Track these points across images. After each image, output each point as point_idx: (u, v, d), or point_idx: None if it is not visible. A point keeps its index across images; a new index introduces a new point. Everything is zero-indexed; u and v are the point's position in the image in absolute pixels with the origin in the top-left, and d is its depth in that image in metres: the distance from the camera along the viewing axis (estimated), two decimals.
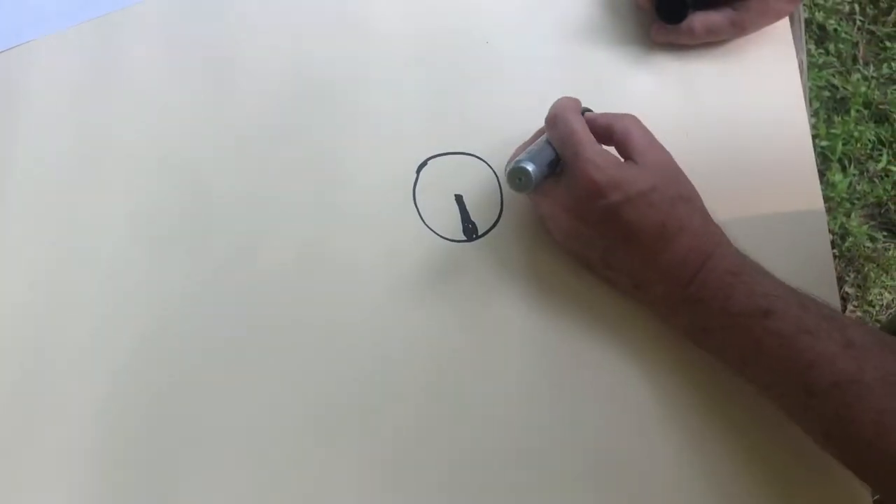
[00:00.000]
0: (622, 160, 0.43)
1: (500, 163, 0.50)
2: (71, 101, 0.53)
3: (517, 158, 0.43)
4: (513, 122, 0.50)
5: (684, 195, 0.43)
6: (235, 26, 0.55)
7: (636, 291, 0.44)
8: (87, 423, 0.44)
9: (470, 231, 0.49)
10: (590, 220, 0.43)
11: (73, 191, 0.50)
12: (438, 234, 0.49)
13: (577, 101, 0.46)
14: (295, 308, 0.47)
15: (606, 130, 0.45)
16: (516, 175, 0.43)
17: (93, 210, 0.50)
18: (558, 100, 0.46)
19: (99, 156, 0.51)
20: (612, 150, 0.44)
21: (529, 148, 0.45)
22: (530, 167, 0.42)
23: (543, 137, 0.45)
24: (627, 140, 0.44)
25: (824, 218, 0.49)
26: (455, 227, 0.49)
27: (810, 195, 0.50)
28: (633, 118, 0.45)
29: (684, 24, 0.52)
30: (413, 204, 0.49)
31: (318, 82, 0.53)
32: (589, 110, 0.48)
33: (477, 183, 0.50)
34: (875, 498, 0.42)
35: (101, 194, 0.50)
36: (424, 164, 0.51)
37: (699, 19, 0.52)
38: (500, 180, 0.50)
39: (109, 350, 0.46)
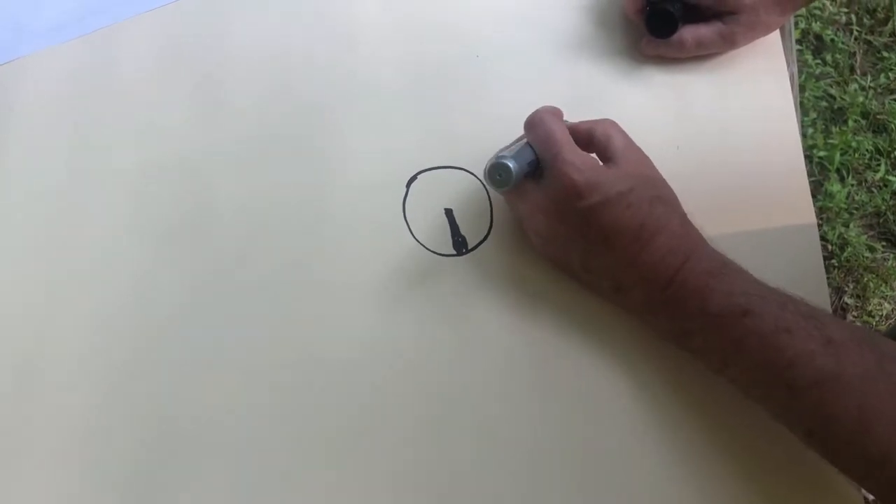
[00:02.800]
0: (601, 163, 0.44)
1: None
2: (63, 116, 0.53)
3: (498, 154, 0.44)
4: (503, 136, 0.50)
5: (662, 197, 0.43)
6: (225, 43, 0.56)
7: (616, 295, 0.44)
8: (81, 425, 0.44)
9: (460, 245, 0.49)
10: (569, 222, 0.43)
11: (65, 203, 0.50)
12: (428, 249, 0.49)
13: (557, 109, 0.46)
14: (283, 321, 0.47)
15: (587, 136, 0.45)
16: (496, 171, 0.43)
17: (85, 222, 0.50)
18: (540, 107, 0.46)
19: (91, 169, 0.52)
20: (593, 156, 0.44)
21: (510, 146, 0.45)
22: (511, 163, 0.42)
23: (523, 140, 0.46)
24: (607, 143, 0.44)
25: (816, 230, 0.49)
26: (445, 241, 0.49)
27: (802, 207, 0.50)
28: (612, 122, 0.46)
29: (674, 37, 0.52)
30: (403, 218, 0.49)
31: (308, 96, 0.53)
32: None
33: (467, 197, 0.50)
34: (872, 500, 0.42)
35: (93, 207, 0.50)
36: (414, 178, 0.50)
37: (689, 33, 0.52)
38: (490, 194, 0.50)
39: (104, 356, 0.46)
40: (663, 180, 0.45)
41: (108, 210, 0.50)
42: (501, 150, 0.45)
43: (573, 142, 0.44)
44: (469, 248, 0.49)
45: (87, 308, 0.47)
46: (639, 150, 0.45)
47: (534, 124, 0.45)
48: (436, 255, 0.48)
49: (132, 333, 0.47)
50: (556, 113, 0.46)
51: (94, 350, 0.46)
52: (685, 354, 0.43)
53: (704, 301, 0.40)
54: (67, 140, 0.53)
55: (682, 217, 0.43)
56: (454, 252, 0.49)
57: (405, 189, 0.50)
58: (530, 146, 0.45)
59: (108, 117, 0.53)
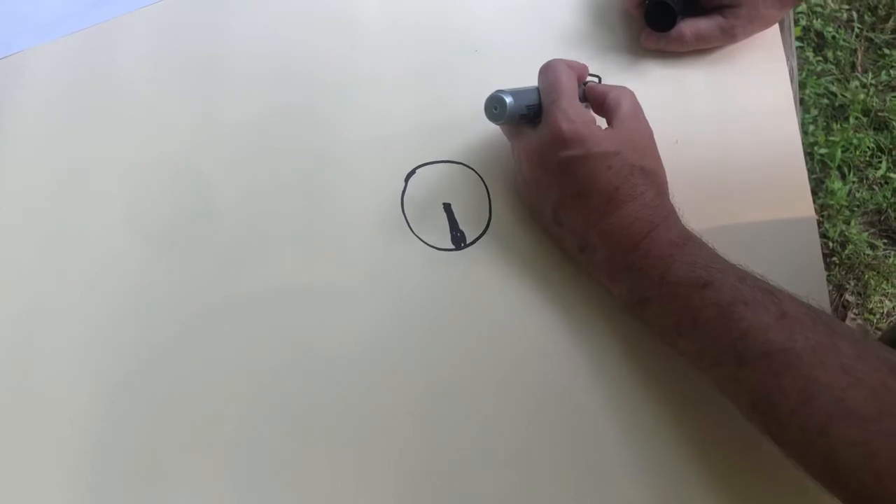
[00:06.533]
0: (595, 120, 0.44)
1: (489, 171, 0.50)
2: (60, 112, 0.53)
3: (498, 90, 0.44)
4: (501, 131, 0.50)
5: (647, 168, 0.43)
6: (225, 38, 0.55)
7: (580, 254, 0.45)
8: (80, 425, 0.44)
9: (458, 240, 0.49)
10: (549, 169, 0.43)
11: (62, 200, 0.50)
12: (427, 243, 0.48)
13: (581, 65, 0.47)
14: (282, 317, 0.46)
15: (601, 98, 0.46)
16: (493, 103, 0.44)
17: (83, 218, 0.50)
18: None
19: (89, 165, 0.51)
20: (592, 113, 0.45)
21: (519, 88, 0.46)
22: (508, 98, 0.43)
23: (535, 84, 0.46)
24: (615, 107, 0.45)
25: (815, 224, 0.49)
26: (443, 236, 0.49)
27: (801, 201, 0.50)
28: (627, 91, 0.46)
29: (674, 31, 0.52)
30: (401, 212, 0.49)
31: (307, 91, 0.53)
32: (596, 76, 0.49)
33: (465, 191, 0.50)
34: None
35: (91, 203, 0.50)
36: (413, 172, 0.50)
37: (689, 26, 0.52)
38: (489, 189, 0.50)
39: (102, 356, 0.45)
40: (655, 154, 0.45)
41: (107, 206, 0.50)
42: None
43: (576, 94, 0.44)
44: (468, 242, 0.48)
45: (85, 307, 0.47)
46: (643, 121, 0.46)
47: (545, 70, 0.45)
48: (434, 250, 0.48)
49: (130, 332, 0.46)
50: (572, 65, 0.46)
51: (93, 350, 0.46)
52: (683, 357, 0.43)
53: (666, 270, 0.40)
54: (64, 137, 0.52)
55: (660, 190, 0.44)
56: (453, 247, 0.48)
57: (403, 183, 0.50)
58: (538, 91, 0.45)
59: (106, 113, 0.53)
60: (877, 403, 0.34)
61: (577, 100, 0.44)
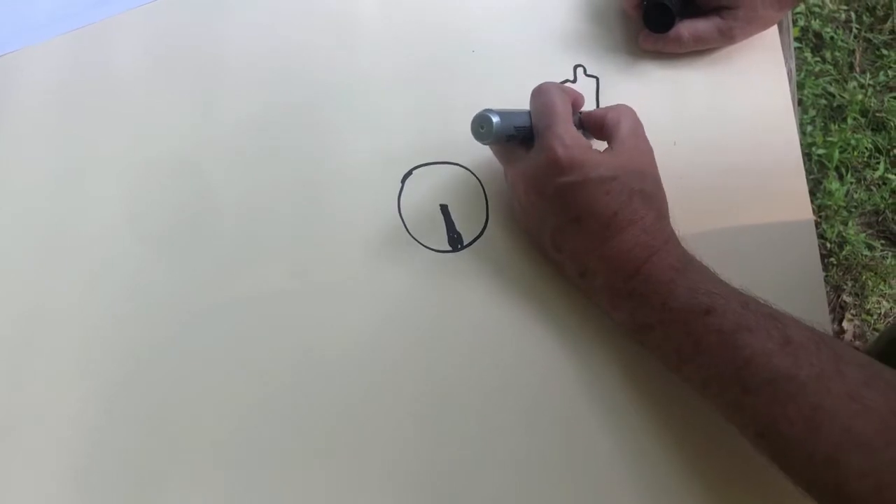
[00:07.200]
0: (592, 144, 0.43)
1: (486, 172, 0.50)
2: (57, 111, 0.53)
3: (486, 110, 0.43)
4: (493, 153, 0.50)
5: (646, 191, 0.43)
6: (222, 38, 0.55)
7: (581, 280, 0.44)
8: (78, 426, 0.44)
9: (455, 241, 0.48)
10: (546, 195, 0.43)
11: (59, 200, 0.50)
12: (423, 245, 0.48)
13: (576, 93, 0.46)
14: (279, 317, 0.46)
15: (600, 121, 0.45)
16: (479, 122, 0.43)
17: (80, 218, 0.49)
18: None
19: (86, 165, 0.51)
20: (592, 141, 0.44)
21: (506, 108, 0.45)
22: (495, 118, 0.42)
23: (526, 107, 0.46)
24: (614, 128, 0.44)
25: (813, 226, 0.49)
26: (440, 237, 0.48)
27: (799, 202, 0.49)
28: (627, 109, 0.45)
29: (672, 32, 0.52)
30: (398, 214, 0.49)
31: (304, 92, 0.53)
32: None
33: (462, 193, 0.50)
34: None
35: (87, 203, 0.50)
36: (409, 173, 0.50)
37: (687, 27, 0.52)
38: (486, 190, 0.50)
39: (100, 356, 0.46)
40: (655, 176, 0.44)
41: (103, 207, 0.50)
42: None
43: (570, 117, 0.43)
44: (465, 244, 0.48)
45: (83, 307, 0.47)
46: (643, 140, 0.45)
47: (538, 93, 0.45)
48: (431, 252, 0.48)
49: (129, 333, 0.46)
50: (565, 89, 0.45)
51: (91, 350, 0.46)
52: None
53: (667, 296, 0.40)
54: (63, 135, 0.52)
55: (660, 214, 0.43)
56: (449, 248, 0.48)
57: (400, 184, 0.50)
58: (529, 115, 0.45)
59: (103, 113, 0.53)
60: (886, 432, 0.33)
61: (572, 124, 0.43)
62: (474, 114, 0.43)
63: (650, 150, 0.45)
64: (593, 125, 0.46)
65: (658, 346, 0.41)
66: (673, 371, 0.41)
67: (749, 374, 0.36)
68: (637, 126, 0.45)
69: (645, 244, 0.41)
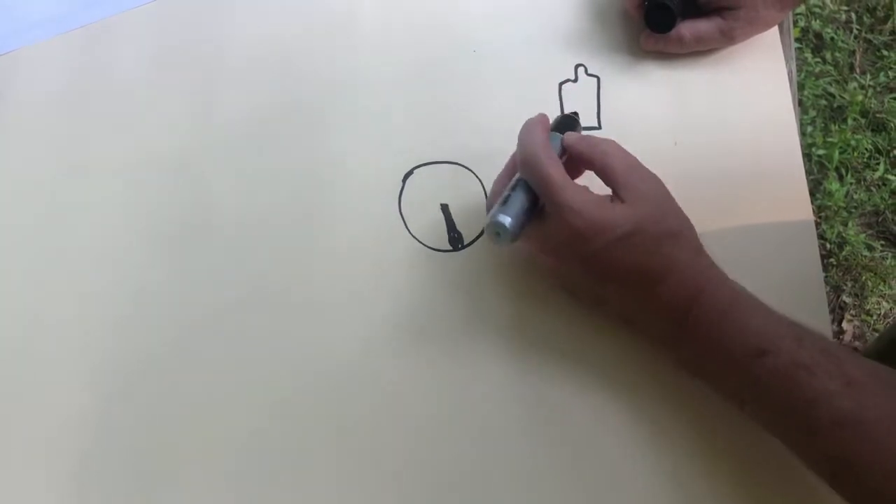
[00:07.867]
0: (601, 197, 0.41)
1: (487, 172, 0.50)
2: (57, 110, 0.53)
3: (494, 212, 0.41)
4: (499, 132, 0.50)
5: (673, 230, 0.41)
6: (222, 37, 0.55)
7: (630, 326, 0.44)
8: (77, 427, 0.44)
9: (455, 240, 0.48)
10: (574, 265, 0.42)
11: (59, 200, 0.50)
12: (424, 244, 0.48)
13: (545, 123, 0.44)
14: (279, 318, 0.46)
15: (585, 161, 0.43)
16: (494, 230, 0.41)
17: (80, 218, 0.49)
18: (525, 130, 0.43)
19: (85, 164, 0.51)
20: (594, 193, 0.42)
21: (505, 194, 0.42)
22: (507, 221, 0.40)
23: (518, 178, 0.43)
24: (609, 172, 0.42)
25: (813, 226, 0.49)
26: (441, 237, 0.48)
27: (799, 204, 0.49)
28: (611, 145, 0.43)
29: (673, 32, 0.52)
30: (398, 213, 0.49)
31: (305, 91, 0.53)
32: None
33: (463, 192, 0.50)
34: None
35: (87, 203, 0.50)
36: (410, 173, 0.50)
37: (688, 28, 0.52)
38: (486, 189, 0.50)
39: (98, 357, 0.46)
40: (672, 205, 0.42)
41: (103, 206, 0.50)
42: (498, 185, 0.44)
43: (569, 179, 0.41)
44: (465, 243, 0.48)
45: (81, 307, 0.47)
46: (646, 173, 0.42)
47: (526, 165, 0.42)
48: (432, 251, 0.48)
49: (127, 334, 0.46)
50: (544, 142, 0.42)
51: (88, 350, 0.46)
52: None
53: (719, 339, 0.39)
54: (61, 136, 0.52)
55: (693, 247, 0.42)
56: (450, 248, 0.48)
57: (401, 184, 0.50)
58: (523, 184, 0.42)
59: (103, 113, 0.53)
60: None
61: (575, 185, 0.41)
62: (483, 225, 0.41)
63: (654, 177, 0.42)
64: (577, 158, 0.44)
65: (717, 386, 0.41)
66: (736, 409, 0.40)
67: (815, 416, 0.36)
68: (630, 161, 0.42)
69: (689, 287, 0.40)
